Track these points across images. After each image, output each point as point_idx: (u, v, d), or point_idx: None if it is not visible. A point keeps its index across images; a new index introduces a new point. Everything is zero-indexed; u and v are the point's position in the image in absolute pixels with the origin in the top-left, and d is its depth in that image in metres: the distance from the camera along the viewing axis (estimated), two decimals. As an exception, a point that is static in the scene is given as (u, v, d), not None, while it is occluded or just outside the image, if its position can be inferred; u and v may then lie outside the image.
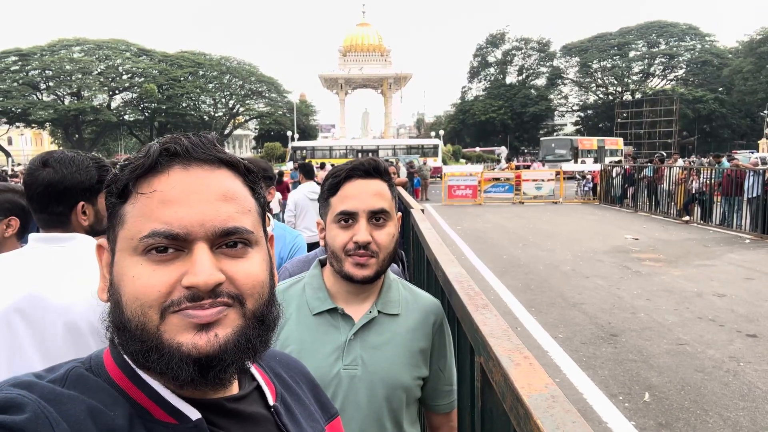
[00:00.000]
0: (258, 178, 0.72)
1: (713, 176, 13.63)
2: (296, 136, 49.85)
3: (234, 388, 0.70)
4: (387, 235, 1.33)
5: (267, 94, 62.46)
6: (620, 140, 46.09)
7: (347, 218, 1.32)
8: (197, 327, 0.60)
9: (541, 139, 48.00)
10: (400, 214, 1.45)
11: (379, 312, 1.37)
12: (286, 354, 0.90)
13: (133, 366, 0.64)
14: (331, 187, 1.37)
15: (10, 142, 65.78)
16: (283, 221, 6.14)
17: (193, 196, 0.63)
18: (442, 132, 52.84)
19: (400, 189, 7.51)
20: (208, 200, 0.64)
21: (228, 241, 0.65)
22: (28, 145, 76.22)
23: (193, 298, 0.60)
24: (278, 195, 8.50)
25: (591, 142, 45.49)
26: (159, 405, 0.63)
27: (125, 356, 0.64)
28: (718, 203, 13.39)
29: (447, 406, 1.47)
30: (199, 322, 0.60)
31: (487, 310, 1.13)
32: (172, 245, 0.62)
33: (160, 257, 0.62)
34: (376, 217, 1.32)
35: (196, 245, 0.62)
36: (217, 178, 0.66)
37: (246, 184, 0.70)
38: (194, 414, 0.64)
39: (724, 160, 14.60)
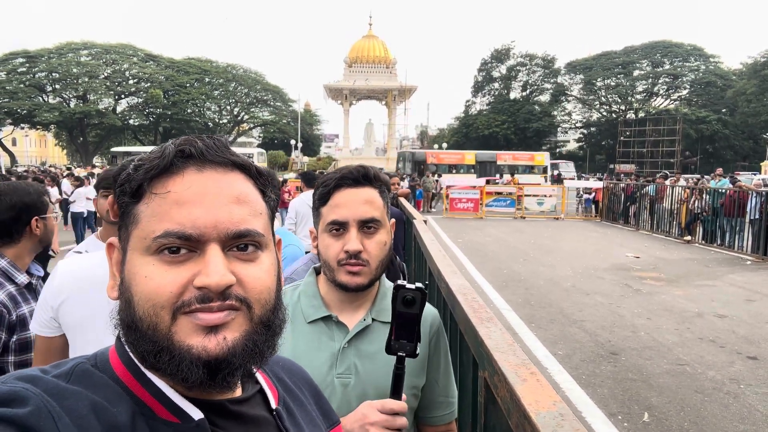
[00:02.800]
0: (268, 182, 0.73)
1: (715, 197, 13.60)
2: (299, 144, 50.00)
3: (237, 391, 0.70)
4: (378, 243, 1.33)
5: (272, 103, 62.79)
6: (543, 155, 37.01)
7: (338, 227, 1.32)
8: (206, 330, 0.60)
9: (398, 152, 41.34)
10: (393, 220, 1.45)
11: (373, 320, 1.36)
12: (289, 360, 0.90)
13: (138, 364, 0.64)
14: (321, 197, 1.37)
15: (14, 143, 66.05)
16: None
17: (207, 197, 0.64)
18: (445, 145, 52.95)
19: (403, 200, 7.50)
20: (221, 202, 0.65)
21: (239, 243, 0.65)
22: (32, 146, 76.52)
23: (203, 299, 0.60)
24: None
25: (459, 156, 36.40)
26: (162, 403, 0.63)
27: (132, 355, 0.64)
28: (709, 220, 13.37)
29: (441, 418, 1.44)
30: (207, 325, 0.60)
31: (491, 324, 1.11)
32: (185, 246, 0.62)
33: (173, 258, 0.62)
34: (367, 225, 1.32)
35: (209, 246, 0.63)
36: (230, 181, 0.67)
37: (257, 187, 0.70)
38: (197, 414, 0.63)
39: (726, 179, 14.59)
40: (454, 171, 33.31)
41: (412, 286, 1.06)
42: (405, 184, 17.61)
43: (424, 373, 1.39)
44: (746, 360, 5.52)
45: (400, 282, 1.07)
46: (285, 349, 1.32)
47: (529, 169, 34.80)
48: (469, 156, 35.95)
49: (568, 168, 44.84)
